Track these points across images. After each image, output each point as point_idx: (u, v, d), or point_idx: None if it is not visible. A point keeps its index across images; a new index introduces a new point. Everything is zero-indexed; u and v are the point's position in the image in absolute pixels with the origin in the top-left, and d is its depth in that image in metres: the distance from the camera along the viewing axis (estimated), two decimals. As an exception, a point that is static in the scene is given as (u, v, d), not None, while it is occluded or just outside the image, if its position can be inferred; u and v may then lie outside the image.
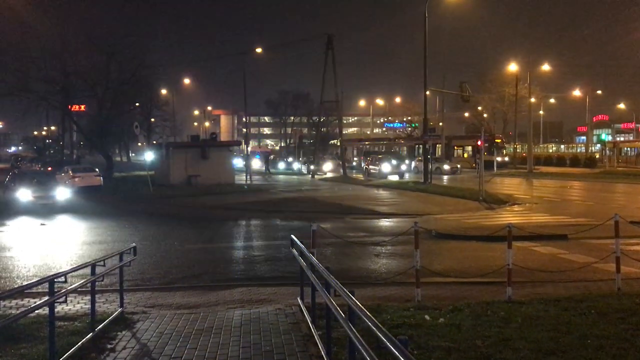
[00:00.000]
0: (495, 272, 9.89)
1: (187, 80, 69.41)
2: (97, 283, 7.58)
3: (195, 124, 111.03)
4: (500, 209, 22.81)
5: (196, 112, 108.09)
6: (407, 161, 52.96)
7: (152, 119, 77.74)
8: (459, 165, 52.24)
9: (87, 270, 7.56)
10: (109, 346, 6.89)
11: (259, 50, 56.03)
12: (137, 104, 56.82)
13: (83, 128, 51.40)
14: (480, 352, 6.19)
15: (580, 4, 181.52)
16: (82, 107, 53.61)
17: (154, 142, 54.68)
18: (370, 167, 47.77)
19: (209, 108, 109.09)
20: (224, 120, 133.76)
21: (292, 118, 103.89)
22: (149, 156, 38.92)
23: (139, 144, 47.07)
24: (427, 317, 7.66)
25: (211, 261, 13.25)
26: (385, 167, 45.58)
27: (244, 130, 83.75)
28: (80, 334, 7.16)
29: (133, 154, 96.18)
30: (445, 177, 44.18)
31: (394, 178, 41.99)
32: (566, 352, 6.20)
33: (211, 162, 36.82)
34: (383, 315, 7.69)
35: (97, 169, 36.63)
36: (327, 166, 52.39)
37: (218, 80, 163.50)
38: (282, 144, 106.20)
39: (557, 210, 21.74)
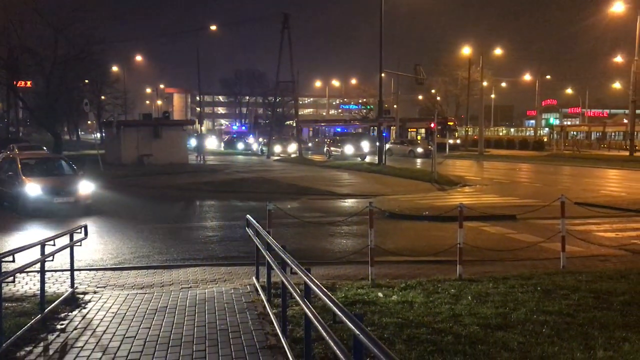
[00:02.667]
0: (446, 251, 10.13)
1: (139, 57, 67.71)
2: (47, 263, 7.39)
3: (148, 102, 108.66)
4: (452, 190, 23.30)
5: (148, 90, 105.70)
6: (369, 143, 52.13)
7: (103, 97, 75.62)
8: (430, 148, 52.84)
9: (38, 249, 7.36)
10: (59, 327, 6.76)
11: (213, 27, 55.05)
12: (86, 81, 55.10)
13: (30, 105, 49.53)
14: (431, 328, 6.37)
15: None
16: (29, 83, 51.62)
17: (105, 120, 53.22)
18: (332, 148, 47.87)
19: (162, 86, 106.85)
20: (177, 99, 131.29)
21: (247, 98, 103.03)
22: (99, 134, 37.92)
23: (89, 122, 45.69)
24: (380, 294, 7.81)
25: (164, 241, 13.09)
26: (348, 148, 45.73)
27: (198, 109, 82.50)
28: (29, 315, 6.99)
29: (82, 133, 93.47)
30: (419, 160, 44.19)
31: (357, 160, 42.11)
32: (513, 327, 6.44)
33: (164, 141, 36.20)
34: (337, 293, 7.80)
35: (44, 148, 35.42)
36: (283, 147, 52.23)
37: (171, 58, 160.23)
38: (237, 124, 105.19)
39: (507, 192, 22.37)
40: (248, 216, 8.90)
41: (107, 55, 50.42)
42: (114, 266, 10.55)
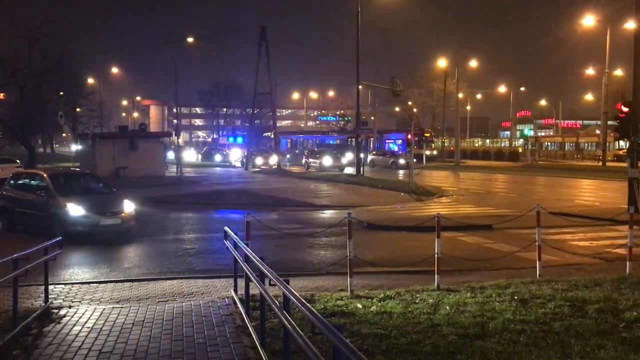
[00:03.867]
0: (424, 261, 10.19)
1: (115, 69, 67.16)
2: (20, 278, 7.25)
3: (124, 114, 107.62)
4: (429, 201, 23.47)
5: (125, 102, 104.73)
6: (348, 154, 51.59)
7: (78, 109, 74.70)
8: (415, 160, 52.87)
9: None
10: (34, 343, 6.62)
11: (190, 39, 54.93)
12: (61, 93, 54.41)
13: (3, 117, 48.68)
14: (410, 338, 6.39)
15: (507, 5, 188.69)
16: (1, 95, 50.79)
17: (80, 132, 52.58)
18: (311, 160, 47.82)
19: (138, 98, 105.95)
20: (153, 111, 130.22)
21: (225, 109, 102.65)
22: (74, 147, 37.44)
23: (64, 134, 45.10)
24: (359, 305, 7.81)
25: (141, 254, 12.93)
26: (327, 160, 45.73)
27: (175, 121, 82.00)
28: (1, 332, 6.83)
29: (57, 145, 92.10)
30: (401, 172, 44.08)
31: (335, 171, 42.04)
32: (491, 336, 6.49)
33: (140, 153, 35.86)
34: (317, 305, 7.78)
35: (17, 161, 34.83)
36: (263, 159, 52.04)
37: (148, 70, 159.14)
38: (215, 136, 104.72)
39: (483, 202, 22.61)
40: (226, 228, 8.86)
41: (83, 67, 49.92)
42: (89, 280, 10.39)
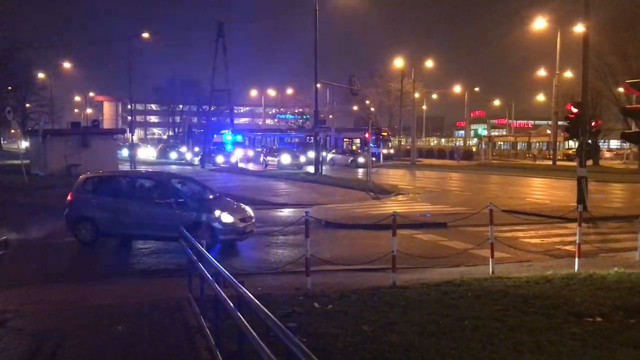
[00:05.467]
0: (381, 259, 10.25)
1: (67, 64, 65.24)
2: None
3: (77, 110, 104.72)
4: (386, 199, 23.66)
5: (77, 98, 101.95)
6: (308, 153, 51.41)
7: (28, 104, 72.31)
8: (373, 159, 53.12)
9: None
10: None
11: (145, 35, 53.89)
12: (9, 88, 52.55)
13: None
14: (366, 337, 6.40)
15: (462, 7, 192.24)
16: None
17: (30, 128, 50.88)
18: (269, 158, 47.53)
19: (92, 94, 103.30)
20: (107, 107, 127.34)
21: (181, 106, 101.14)
22: (24, 144, 36.20)
23: (12, 130, 43.57)
24: (316, 304, 7.79)
25: (94, 254, 12.59)
26: (285, 158, 45.53)
27: (129, 117, 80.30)
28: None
29: (5, 142, 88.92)
30: (360, 170, 44.08)
31: (294, 169, 41.94)
32: (446, 333, 6.57)
33: (93, 150, 34.93)
34: (273, 305, 7.70)
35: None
36: (222, 157, 51.43)
37: (102, 65, 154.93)
38: (170, 133, 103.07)
39: (438, 200, 22.93)
40: (181, 227, 8.70)
41: (33, 62, 48.28)
42: (39, 282, 10.04)
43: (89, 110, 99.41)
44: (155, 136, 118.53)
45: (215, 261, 5.49)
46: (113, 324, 7.19)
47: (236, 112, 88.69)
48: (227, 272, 4.85)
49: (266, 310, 3.37)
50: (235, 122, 59.80)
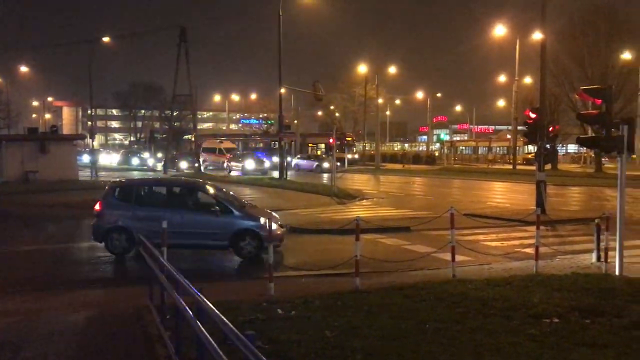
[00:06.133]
0: (345, 263, 10.27)
1: (24, 68, 63.58)
2: None
3: (35, 115, 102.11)
4: (351, 204, 23.76)
5: (35, 103, 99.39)
6: (273, 158, 51.18)
7: (-18, 109, 70.12)
8: (338, 164, 52.94)
9: None
10: None
11: (106, 39, 53.02)
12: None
13: None
14: (328, 342, 6.40)
15: (425, 14, 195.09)
16: None
17: (-16, 134, 49.31)
18: (233, 163, 47.17)
19: (50, 99, 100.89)
20: (66, 113, 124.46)
21: (143, 111, 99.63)
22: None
23: (-35, 136, 42.22)
24: (279, 310, 7.75)
25: (52, 263, 12.27)
26: (249, 164, 45.24)
27: (89, 123, 78.68)
28: None
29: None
30: (325, 175, 44.00)
31: (258, 175, 41.67)
32: (408, 337, 6.61)
33: (52, 156, 34.14)
34: (236, 311, 7.63)
35: None
36: (186, 162, 50.76)
37: (62, 70, 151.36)
38: (132, 139, 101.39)
39: (402, 204, 23.14)
40: (140, 235, 8.55)
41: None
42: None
43: (47, 116, 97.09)
44: (117, 142, 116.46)
45: (175, 269, 5.41)
46: (72, 334, 7.01)
47: (199, 117, 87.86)
48: (185, 280, 4.79)
49: (223, 317, 3.33)
50: (198, 127, 59.17)
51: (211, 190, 13.43)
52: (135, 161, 59.36)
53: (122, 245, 12.46)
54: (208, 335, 3.64)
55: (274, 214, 13.78)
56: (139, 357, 6.11)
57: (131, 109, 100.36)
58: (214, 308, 3.60)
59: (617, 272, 10.20)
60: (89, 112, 76.77)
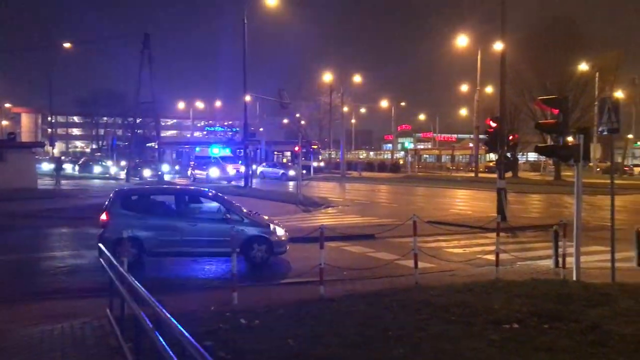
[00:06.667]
0: (309, 272, 10.27)
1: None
2: None
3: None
4: (316, 212, 23.81)
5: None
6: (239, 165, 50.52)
7: None
8: (304, 172, 52.80)
9: None
10: None
11: (67, 44, 52.12)
12: None
13: None
14: (292, 351, 6.38)
15: (390, 22, 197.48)
16: None
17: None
18: (197, 171, 46.71)
19: (8, 105, 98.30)
20: (25, 119, 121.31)
21: (105, 118, 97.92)
22: None
23: None
24: (242, 320, 7.69)
25: (7, 274, 11.91)
26: (213, 171, 44.85)
27: (50, 130, 76.95)
28: None
29: None
30: (291, 183, 43.90)
31: (223, 183, 41.31)
32: (371, 344, 6.65)
33: (9, 165, 33.24)
34: (199, 321, 7.55)
35: None
36: (149, 170, 49.99)
37: (20, 76, 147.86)
38: (94, 146, 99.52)
39: (366, 212, 23.30)
40: (100, 245, 8.39)
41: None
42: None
43: (5, 123, 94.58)
44: (78, 149, 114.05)
45: (135, 280, 5.33)
46: (26, 348, 6.82)
47: (163, 124, 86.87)
48: (145, 291, 4.72)
49: (181, 328, 3.29)
50: (162, 134, 58.45)
51: (220, 198, 13.55)
52: (97, 169, 58.20)
53: (131, 255, 11.86)
54: (167, 347, 3.60)
55: (275, 221, 13.96)
56: (98, 370, 5.98)
57: (93, 116, 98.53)
58: (172, 319, 3.56)
59: (574, 278, 10.47)
60: (49, 119, 75.20)
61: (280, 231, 13.00)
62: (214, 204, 13.34)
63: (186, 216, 12.81)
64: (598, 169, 56.03)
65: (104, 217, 12.59)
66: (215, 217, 12.84)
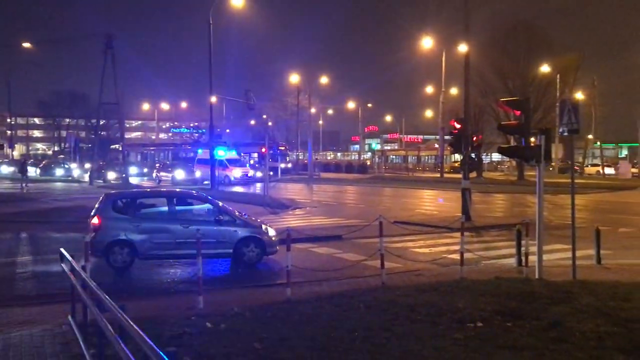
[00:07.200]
0: (277, 274, 10.25)
1: None
2: None
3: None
4: (284, 213, 23.75)
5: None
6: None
7: None
8: (271, 173, 52.21)
9: None
10: None
11: (27, 44, 50.94)
12: None
13: None
14: (257, 354, 6.35)
15: (355, 21, 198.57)
16: None
17: None
18: (162, 173, 46.11)
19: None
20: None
21: (67, 120, 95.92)
22: None
23: None
24: (208, 324, 7.62)
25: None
26: (179, 174, 44.31)
27: (9, 132, 75.02)
28: None
29: None
30: (259, 185, 43.49)
31: (188, 185, 40.80)
32: (337, 345, 6.66)
33: (-34, 168, 32.30)
34: (164, 326, 7.46)
35: None
36: (113, 173, 49.06)
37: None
38: (56, 149, 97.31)
39: (334, 213, 23.34)
40: (62, 250, 8.20)
41: None
42: None
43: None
44: (39, 152, 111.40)
45: (97, 286, 5.23)
46: (-16, 357, 6.62)
47: (128, 126, 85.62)
48: (106, 296, 4.63)
49: (142, 334, 3.25)
50: (126, 136, 57.55)
51: (212, 199, 13.61)
52: (59, 172, 56.91)
53: (125, 259, 12.21)
54: (129, 353, 3.54)
55: (264, 222, 14.06)
56: (59, 378, 5.85)
57: (55, 117, 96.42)
58: (133, 325, 3.51)
59: (537, 276, 10.68)
60: (9, 120, 73.27)
61: (271, 232, 13.16)
62: (206, 206, 13.38)
63: (178, 218, 12.77)
64: (551, 168, 57.25)
65: (95, 221, 12.41)
66: (207, 219, 12.91)
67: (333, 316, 7.95)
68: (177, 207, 13.26)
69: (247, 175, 43.37)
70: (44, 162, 62.98)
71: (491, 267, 12.26)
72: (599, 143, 67.40)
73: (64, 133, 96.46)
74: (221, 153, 39.30)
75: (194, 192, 16.08)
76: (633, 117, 64.18)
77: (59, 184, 47.29)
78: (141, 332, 3.29)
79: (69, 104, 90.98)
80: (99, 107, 46.76)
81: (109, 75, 42.62)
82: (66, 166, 58.48)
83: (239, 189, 37.93)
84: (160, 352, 2.77)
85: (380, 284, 10.25)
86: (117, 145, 67.61)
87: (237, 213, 13.45)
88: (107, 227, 12.31)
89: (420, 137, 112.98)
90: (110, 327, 4.35)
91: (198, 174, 44.88)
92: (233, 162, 45.34)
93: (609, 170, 61.93)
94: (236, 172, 43.23)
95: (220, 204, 13.68)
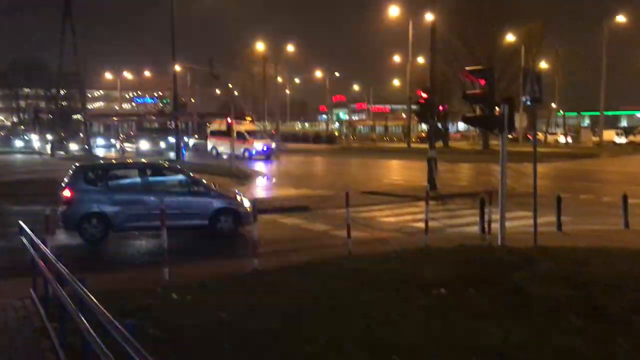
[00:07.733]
0: (245, 245, 10.23)
1: None
2: None
3: None
4: (251, 184, 23.66)
5: None
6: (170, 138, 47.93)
7: None
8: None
9: None
10: None
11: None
12: None
13: None
14: (224, 324, 6.35)
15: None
16: None
17: None
18: (126, 145, 45.32)
19: None
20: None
21: (26, 90, 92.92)
22: None
23: None
24: (174, 295, 7.59)
25: None
26: (144, 145, 43.59)
27: (-35, 103, 72.45)
28: None
29: None
30: (225, 156, 42.16)
31: (153, 156, 40.22)
32: (303, 314, 6.72)
33: None
34: (129, 299, 7.38)
35: None
36: (75, 145, 47.99)
37: None
38: (15, 120, 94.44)
39: (301, 184, 23.36)
40: (21, 222, 8.02)
41: None
42: None
43: None
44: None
45: (57, 260, 5.12)
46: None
47: (89, 96, 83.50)
48: (67, 271, 4.55)
49: (101, 307, 3.20)
50: (89, 106, 56.14)
51: (186, 171, 13.55)
52: (18, 144, 55.42)
53: (98, 232, 12.00)
54: (88, 326, 3.49)
55: (239, 193, 13.92)
56: (23, 350, 5.77)
57: (12, 87, 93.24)
58: (92, 297, 3.46)
59: (499, 243, 10.91)
60: (-36, 91, 70.75)
61: (247, 202, 12.93)
62: (179, 177, 13.30)
63: (152, 190, 12.56)
64: (510, 137, 58.10)
65: (67, 193, 12.13)
66: (181, 190, 12.86)
67: (298, 286, 8.00)
68: (150, 179, 13.05)
69: (269, 147, 39.48)
70: (2, 134, 61.20)
71: (455, 235, 12.46)
72: (562, 112, 68.68)
73: (23, 103, 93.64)
74: (237, 125, 34.40)
75: (166, 163, 15.86)
76: (596, 86, 65.52)
77: (19, 155, 46.11)
78: (99, 305, 3.24)
79: (28, 74, 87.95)
80: (59, 76, 45.44)
81: (69, 43, 41.36)
82: (26, 138, 56.97)
83: (205, 159, 37.50)
84: (119, 325, 2.74)
85: (346, 253, 10.33)
86: (79, 116, 65.99)
87: (212, 185, 13.35)
88: (79, 199, 12.05)
89: (388, 106, 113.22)
90: (70, 301, 4.29)
91: (163, 144, 44.18)
92: (253, 134, 41.03)
93: (563, 139, 63.11)
94: (257, 145, 38.94)
95: (193, 175, 13.56)
